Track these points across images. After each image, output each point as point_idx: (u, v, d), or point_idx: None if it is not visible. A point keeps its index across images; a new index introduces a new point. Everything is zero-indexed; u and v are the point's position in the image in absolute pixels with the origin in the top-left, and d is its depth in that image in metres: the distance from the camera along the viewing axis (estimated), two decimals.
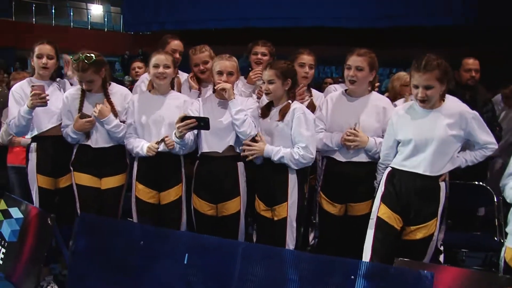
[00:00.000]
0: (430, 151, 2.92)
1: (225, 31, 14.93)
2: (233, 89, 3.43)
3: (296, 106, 3.27)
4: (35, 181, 3.73)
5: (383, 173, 3.12)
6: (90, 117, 3.54)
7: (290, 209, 3.26)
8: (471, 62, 4.50)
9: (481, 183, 4.08)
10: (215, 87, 3.38)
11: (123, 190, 3.73)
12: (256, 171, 3.41)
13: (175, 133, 3.34)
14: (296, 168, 3.23)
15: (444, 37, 13.04)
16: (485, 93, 4.72)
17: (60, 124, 3.71)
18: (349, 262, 2.61)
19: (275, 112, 3.32)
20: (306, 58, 3.76)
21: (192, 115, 3.37)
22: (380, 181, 3.13)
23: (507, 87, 5.74)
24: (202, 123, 3.27)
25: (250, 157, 3.30)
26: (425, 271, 2.46)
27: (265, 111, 3.38)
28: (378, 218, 3.01)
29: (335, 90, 3.74)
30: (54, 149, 3.75)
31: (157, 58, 3.49)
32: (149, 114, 3.51)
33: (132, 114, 3.57)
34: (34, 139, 3.78)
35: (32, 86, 3.54)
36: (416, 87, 2.90)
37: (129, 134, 3.57)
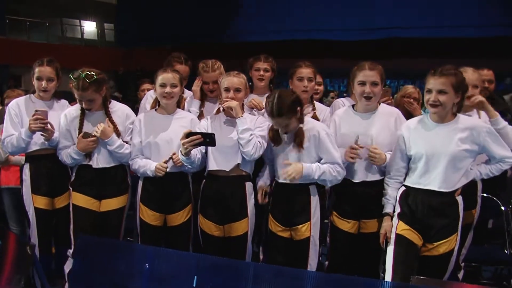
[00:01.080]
0: (442, 167, 2.85)
1: (220, 45, 14.95)
2: (242, 107, 3.37)
3: (319, 128, 3.18)
4: (31, 202, 3.63)
5: (392, 188, 3.05)
6: (94, 136, 3.44)
7: (313, 228, 3.19)
8: (484, 73, 4.40)
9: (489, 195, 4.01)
10: (222, 105, 3.29)
11: (125, 212, 3.63)
12: (272, 191, 3.32)
13: (181, 151, 3.25)
14: (330, 185, 3.18)
15: (437, 47, 13.16)
16: (504, 104, 4.63)
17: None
18: (365, 281, 2.56)
19: (289, 136, 3.19)
20: (304, 72, 3.60)
21: (198, 131, 3.29)
22: (387, 196, 3.06)
23: None
24: (208, 139, 3.17)
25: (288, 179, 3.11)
26: None
27: (276, 137, 3.22)
28: (397, 235, 2.94)
29: (343, 105, 3.63)
30: (49, 168, 3.66)
31: (164, 77, 3.41)
32: (157, 133, 3.43)
33: (138, 134, 3.49)
34: (27, 158, 3.69)
35: (36, 111, 3.45)
36: (430, 91, 2.83)
37: (135, 154, 3.49)
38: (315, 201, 3.21)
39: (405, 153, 3.01)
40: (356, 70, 3.22)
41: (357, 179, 3.25)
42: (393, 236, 2.95)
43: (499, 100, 4.62)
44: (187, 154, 3.23)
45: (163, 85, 3.41)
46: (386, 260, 2.97)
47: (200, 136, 3.17)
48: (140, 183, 3.50)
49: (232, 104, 3.24)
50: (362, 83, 3.17)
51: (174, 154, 3.34)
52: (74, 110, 3.59)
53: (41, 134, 3.50)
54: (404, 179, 3.04)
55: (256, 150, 3.22)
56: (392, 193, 3.05)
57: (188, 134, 3.17)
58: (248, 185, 3.34)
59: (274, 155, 3.28)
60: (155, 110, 3.56)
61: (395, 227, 2.96)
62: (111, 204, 3.56)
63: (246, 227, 3.33)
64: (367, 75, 3.16)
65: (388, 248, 2.99)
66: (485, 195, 3.93)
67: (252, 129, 3.27)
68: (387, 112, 3.30)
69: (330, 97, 8.11)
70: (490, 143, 2.89)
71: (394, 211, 3.03)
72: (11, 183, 4.38)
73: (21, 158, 4.11)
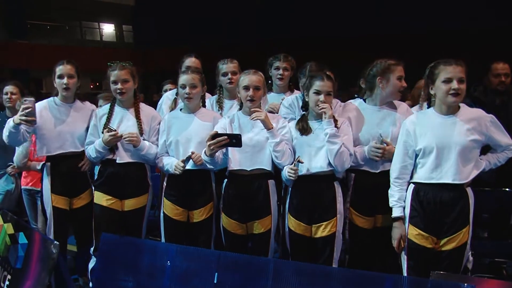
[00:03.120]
0: (454, 158, 2.84)
1: (237, 46, 15.02)
2: (260, 105, 3.39)
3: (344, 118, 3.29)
4: (50, 201, 3.70)
5: (400, 189, 3.01)
6: (116, 131, 3.49)
7: (339, 223, 3.21)
8: (501, 67, 4.37)
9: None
10: (250, 118, 3.24)
11: (145, 211, 3.69)
12: (295, 188, 3.28)
13: (205, 151, 3.26)
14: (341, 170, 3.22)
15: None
16: None
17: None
18: (385, 276, 2.53)
19: (320, 124, 3.20)
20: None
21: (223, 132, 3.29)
22: (397, 199, 3.01)
23: None
24: (234, 140, 3.15)
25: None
26: (466, 284, 2.37)
27: (306, 127, 3.25)
28: (409, 240, 2.95)
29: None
30: (68, 168, 3.72)
31: (183, 78, 3.48)
32: (178, 132, 3.49)
33: (163, 133, 3.56)
34: (48, 159, 3.75)
35: (24, 100, 3.47)
36: (449, 80, 2.82)
37: (160, 153, 3.57)
38: (339, 197, 3.23)
39: (412, 148, 2.98)
40: (392, 65, 3.25)
41: (377, 169, 3.26)
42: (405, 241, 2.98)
43: None
44: (212, 155, 3.23)
45: (183, 86, 3.46)
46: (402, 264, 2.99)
47: (226, 137, 3.16)
48: (165, 179, 3.56)
49: (261, 116, 3.21)
50: (400, 78, 3.25)
51: (192, 153, 3.37)
52: (104, 108, 3.70)
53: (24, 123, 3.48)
54: (411, 177, 3.01)
55: (289, 158, 3.25)
56: (402, 195, 3.01)
57: (214, 136, 3.18)
58: (271, 183, 3.34)
59: (299, 147, 3.26)
60: (180, 110, 3.62)
61: (407, 231, 2.97)
62: (132, 203, 3.62)
63: (269, 224, 3.33)
64: (401, 70, 3.25)
65: (402, 255, 3.00)
66: (507, 189, 3.90)
67: (284, 138, 3.26)
68: (398, 106, 3.34)
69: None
70: (494, 133, 2.92)
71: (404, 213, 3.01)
72: (29, 184, 4.51)
73: (37, 164, 4.20)
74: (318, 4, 14.69)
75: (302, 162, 3.15)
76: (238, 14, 15.85)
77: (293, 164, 3.18)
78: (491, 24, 12.53)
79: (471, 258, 3.51)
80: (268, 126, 3.22)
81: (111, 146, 3.53)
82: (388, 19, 13.86)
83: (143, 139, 3.56)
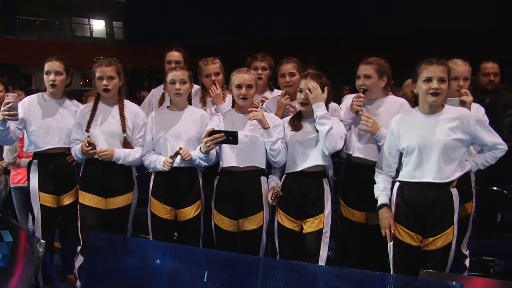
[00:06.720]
0: (435, 157, 2.85)
1: (227, 44, 15.01)
2: (252, 103, 3.39)
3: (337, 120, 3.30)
4: (38, 199, 3.67)
5: (385, 181, 3.04)
6: (92, 147, 3.46)
7: (326, 219, 3.22)
8: (490, 66, 4.40)
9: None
10: (248, 118, 3.24)
11: (131, 209, 3.67)
12: (285, 184, 3.31)
13: (200, 148, 3.26)
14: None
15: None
16: (509, 96, 4.60)
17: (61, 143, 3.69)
18: (374, 275, 2.54)
19: (309, 124, 3.25)
20: (285, 68, 3.65)
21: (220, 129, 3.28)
22: (381, 189, 3.04)
23: None
24: (231, 137, 3.15)
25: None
26: (454, 283, 2.39)
27: (296, 124, 3.29)
28: (395, 238, 2.96)
29: None
30: (56, 166, 3.70)
31: (173, 74, 3.46)
32: (166, 129, 3.48)
33: (150, 131, 3.55)
34: (35, 156, 3.73)
35: (7, 95, 3.45)
36: (429, 80, 2.83)
37: (146, 151, 3.55)
38: (328, 193, 3.24)
39: (395, 148, 3.00)
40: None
41: (361, 155, 3.29)
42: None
43: (505, 93, 4.60)
44: (207, 152, 3.24)
45: (173, 82, 3.45)
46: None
47: (223, 134, 3.16)
48: (152, 177, 3.55)
49: (259, 116, 3.21)
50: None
51: (180, 148, 3.36)
52: (87, 106, 3.68)
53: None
54: (397, 175, 3.03)
55: (284, 156, 3.28)
56: (386, 185, 3.04)
57: (211, 133, 3.17)
58: (263, 179, 3.36)
59: (290, 144, 3.29)
60: (167, 107, 3.61)
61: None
62: (117, 202, 3.61)
63: (261, 220, 3.34)
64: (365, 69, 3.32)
65: (388, 246, 3.00)
66: (495, 188, 3.93)
67: (279, 136, 3.27)
68: (393, 101, 3.35)
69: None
70: (480, 132, 2.90)
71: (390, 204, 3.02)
72: (21, 182, 4.44)
73: (27, 160, 4.17)
74: (316, 3, 14.75)
75: (281, 194, 3.23)
76: (232, 11, 15.84)
77: (273, 196, 3.23)
78: (483, 25, 12.64)
79: (468, 257, 3.56)
80: (265, 126, 3.23)
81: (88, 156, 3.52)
82: (388, 19, 13.95)
83: (126, 136, 3.55)
